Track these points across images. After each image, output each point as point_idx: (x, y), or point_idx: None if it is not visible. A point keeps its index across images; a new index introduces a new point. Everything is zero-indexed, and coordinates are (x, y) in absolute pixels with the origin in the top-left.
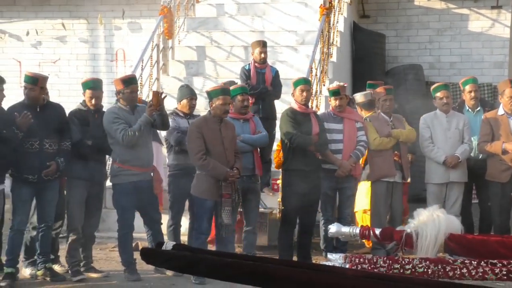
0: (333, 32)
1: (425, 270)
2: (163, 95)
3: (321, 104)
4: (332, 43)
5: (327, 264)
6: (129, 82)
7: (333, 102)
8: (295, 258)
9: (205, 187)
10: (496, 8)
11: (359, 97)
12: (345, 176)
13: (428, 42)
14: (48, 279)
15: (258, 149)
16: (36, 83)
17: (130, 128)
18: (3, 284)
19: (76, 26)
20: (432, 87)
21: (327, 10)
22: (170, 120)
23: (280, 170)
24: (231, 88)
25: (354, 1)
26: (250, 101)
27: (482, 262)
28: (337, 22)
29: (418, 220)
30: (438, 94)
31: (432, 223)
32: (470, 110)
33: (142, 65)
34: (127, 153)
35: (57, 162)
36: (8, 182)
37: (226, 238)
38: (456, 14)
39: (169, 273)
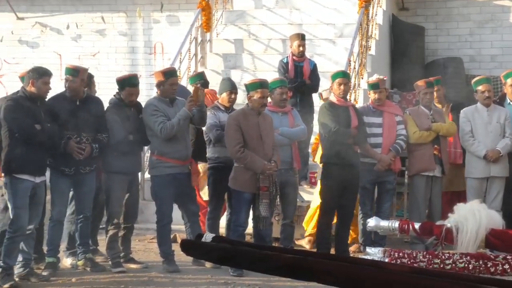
0: (372, 25)
1: (466, 265)
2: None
3: (359, 97)
4: (371, 36)
5: (366, 258)
6: (170, 74)
7: (373, 96)
8: (332, 252)
9: (243, 180)
10: None
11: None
12: (384, 170)
13: (469, 35)
14: (88, 269)
15: (297, 143)
16: (77, 75)
17: (168, 122)
18: (45, 273)
19: (115, 19)
20: (474, 80)
21: (366, 2)
22: (210, 114)
23: (318, 163)
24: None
25: None
26: (288, 94)
27: None
28: (376, 14)
29: (458, 215)
30: (480, 88)
31: (472, 218)
32: (511, 103)
33: (180, 58)
34: (166, 145)
35: (92, 146)
36: (47, 173)
37: (263, 231)
38: (497, 6)
39: (208, 264)
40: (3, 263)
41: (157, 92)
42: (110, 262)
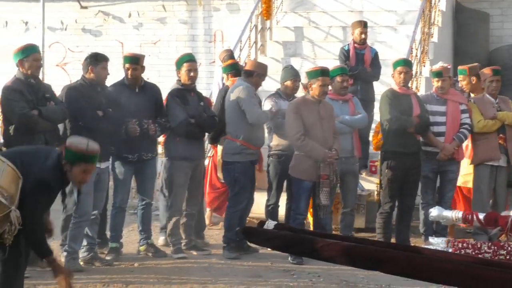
0: (435, 12)
1: None
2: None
3: (421, 85)
4: (433, 22)
5: (429, 248)
6: None
7: (436, 84)
8: (392, 241)
9: (303, 168)
10: None
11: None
12: (447, 159)
13: None
14: (150, 255)
15: (357, 131)
16: (138, 62)
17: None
18: (108, 258)
19: (176, 7)
20: None
21: None
22: (270, 103)
23: (379, 152)
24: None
25: None
26: (349, 82)
27: None
28: (439, 1)
29: None
30: None
31: None
32: None
33: (240, 46)
34: (252, 132)
35: (155, 126)
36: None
37: (323, 220)
38: None
39: (266, 251)
40: (68, 248)
41: (243, 78)
42: (171, 248)
